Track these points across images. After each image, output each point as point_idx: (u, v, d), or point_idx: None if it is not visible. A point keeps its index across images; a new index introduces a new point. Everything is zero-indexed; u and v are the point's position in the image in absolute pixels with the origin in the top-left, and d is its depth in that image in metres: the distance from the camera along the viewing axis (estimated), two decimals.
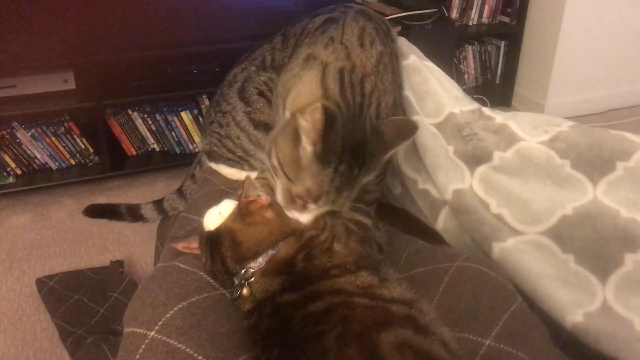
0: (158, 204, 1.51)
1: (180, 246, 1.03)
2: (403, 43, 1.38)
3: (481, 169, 1.20)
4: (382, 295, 0.84)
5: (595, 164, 1.12)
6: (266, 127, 1.25)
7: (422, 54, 1.38)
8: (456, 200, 1.19)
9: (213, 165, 1.37)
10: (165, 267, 0.98)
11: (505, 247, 1.12)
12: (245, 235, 0.94)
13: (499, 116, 1.27)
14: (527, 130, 1.21)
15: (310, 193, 0.93)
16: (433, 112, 1.29)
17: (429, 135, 1.26)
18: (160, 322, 0.86)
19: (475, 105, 1.31)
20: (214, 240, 0.95)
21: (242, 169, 1.32)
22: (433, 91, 1.30)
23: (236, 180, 1.33)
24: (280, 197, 0.99)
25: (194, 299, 0.91)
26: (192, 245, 1.01)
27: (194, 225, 1.16)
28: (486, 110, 1.29)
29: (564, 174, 1.13)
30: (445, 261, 1.01)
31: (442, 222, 1.24)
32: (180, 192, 1.50)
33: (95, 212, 1.48)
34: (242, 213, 0.97)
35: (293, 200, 0.96)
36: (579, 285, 1.04)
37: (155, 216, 1.51)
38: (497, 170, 1.18)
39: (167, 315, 0.87)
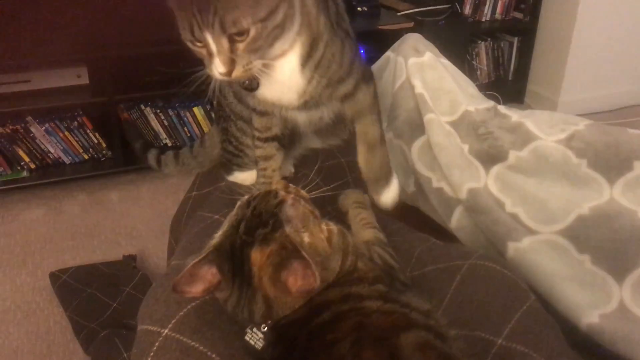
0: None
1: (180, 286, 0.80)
2: (418, 40, 1.36)
3: (496, 168, 1.19)
4: (398, 299, 0.80)
5: (612, 164, 1.10)
6: (242, 119, 1.23)
7: (437, 51, 1.37)
8: (471, 199, 1.19)
9: (231, 178, 1.34)
10: (179, 265, 0.98)
11: (520, 247, 1.11)
12: (278, 304, 0.79)
13: (514, 114, 1.25)
14: (544, 129, 1.20)
15: (186, 27, 0.92)
16: (448, 110, 1.28)
17: (443, 134, 1.25)
18: (174, 320, 0.86)
19: (490, 104, 1.30)
20: (245, 284, 0.80)
21: (249, 168, 1.31)
22: (448, 89, 1.29)
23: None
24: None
25: (207, 297, 0.91)
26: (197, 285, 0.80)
27: (207, 222, 1.15)
28: (502, 109, 1.28)
29: (580, 174, 1.12)
30: (458, 259, 1.00)
31: (456, 221, 1.23)
32: (176, 154, 1.50)
33: None
34: (280, 285, 0.77)
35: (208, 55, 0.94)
36: (595, 286, 1.03)
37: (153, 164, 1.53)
38: (513, 170, 1.17)
39: (181, 313, 0.87)
